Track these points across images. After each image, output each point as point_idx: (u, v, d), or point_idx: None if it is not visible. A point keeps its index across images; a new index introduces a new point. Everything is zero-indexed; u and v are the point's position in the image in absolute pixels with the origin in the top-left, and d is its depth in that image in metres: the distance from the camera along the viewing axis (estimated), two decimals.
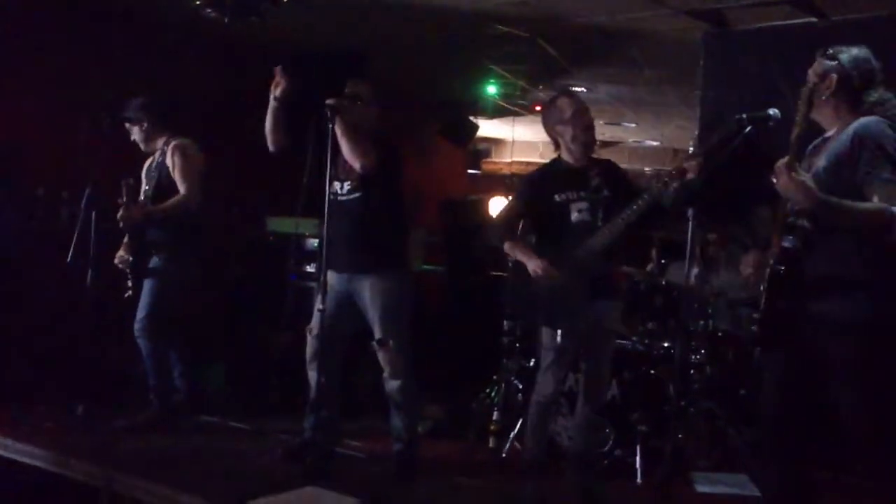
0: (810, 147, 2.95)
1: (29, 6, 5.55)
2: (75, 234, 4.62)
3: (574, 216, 3.81)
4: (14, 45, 5.48)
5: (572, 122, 3.87)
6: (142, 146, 4.89)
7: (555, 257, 3.77)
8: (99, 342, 4.88)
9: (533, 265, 3.78)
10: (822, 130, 3.00)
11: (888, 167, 2.73)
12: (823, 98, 2.89)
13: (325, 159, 3.91)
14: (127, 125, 4.84)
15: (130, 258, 4.69)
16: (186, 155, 4.74)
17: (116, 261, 4.75)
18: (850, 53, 2.91)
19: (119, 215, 4.58)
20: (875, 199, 2.72)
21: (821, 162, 2.88)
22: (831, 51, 2.94)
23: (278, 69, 4.04)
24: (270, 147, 4.17)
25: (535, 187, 3.99)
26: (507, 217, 4.11)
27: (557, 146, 3.98)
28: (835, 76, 2.89)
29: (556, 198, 3.84)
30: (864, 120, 2.83)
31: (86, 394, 4.62)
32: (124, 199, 4.55)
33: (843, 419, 2.83)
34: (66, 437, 4.35)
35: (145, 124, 4.83)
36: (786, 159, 2.72)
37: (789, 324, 2.88)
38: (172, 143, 4.76)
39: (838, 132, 2.90)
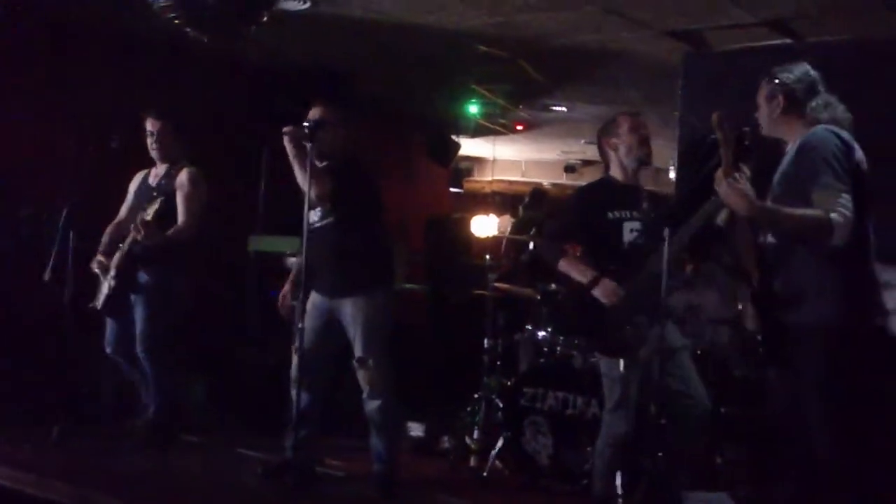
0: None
1: (13, 26, 5.52)
2: (53, 253, 4.59)
3: (626, 236, 3.65)
4: None
5: (629, 135, 3.75)
6: (155, 156, 4.82)
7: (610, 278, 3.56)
8: (77, 361, 4.84)
9: (602, 289, 3.52)
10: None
11: (829, 172, 2.83)
12: (776, 116, 3.06)
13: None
14: (153, 130, 4.77)
15: (114, 270, 4.62)
16: (196, 184, 4.73)
17: (93, 264, 4.70)
18: (792, 71, 3.07)
19: (140, 226, 4.43)
20: (814, 204, 2.82)
21: (775, 176, 3.00)
22: (772, 72, 3.09)
23: (288, 130, 3.84)
24: (314, 196, 3.89)
25: (587, 202, 3.83)
26: (559, 233, 3.91)
27: (607, 166, 3.86)
28: (781, 95, 3.05)
29: (610, 215, 3.68)
30: (812, 129, 2.96)
31: (63, 414, 4.57)
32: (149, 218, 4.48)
33: (811, 432, 2.87)
34: (42, 456, 4.30)
35: (171, 137, 4.80)
36: (722, 168, 2.87)
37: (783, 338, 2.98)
38: (186, 170, 4.74)
39: (793, 145, 3.05)
